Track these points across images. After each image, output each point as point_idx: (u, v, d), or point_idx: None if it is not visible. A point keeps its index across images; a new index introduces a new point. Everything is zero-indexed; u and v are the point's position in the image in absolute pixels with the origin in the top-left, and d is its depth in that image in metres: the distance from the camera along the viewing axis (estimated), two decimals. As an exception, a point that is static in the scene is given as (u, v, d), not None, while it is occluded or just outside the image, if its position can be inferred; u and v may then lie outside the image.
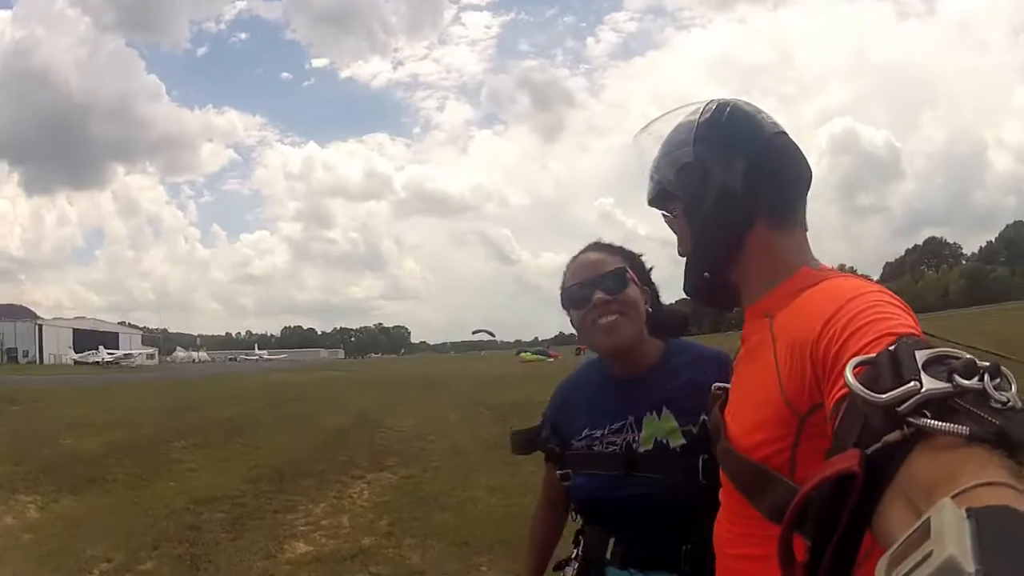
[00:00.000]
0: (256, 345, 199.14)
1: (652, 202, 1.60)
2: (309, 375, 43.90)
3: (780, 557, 0.97)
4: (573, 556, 2.16)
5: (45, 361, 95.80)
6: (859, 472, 0.84)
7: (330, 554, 6.92)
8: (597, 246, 2.14)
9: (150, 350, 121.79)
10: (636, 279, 2.03)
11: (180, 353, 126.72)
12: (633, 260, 2.10)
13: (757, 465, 1.26)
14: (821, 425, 1.11)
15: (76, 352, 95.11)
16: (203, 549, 6.94)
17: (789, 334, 1.25)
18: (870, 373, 0.92)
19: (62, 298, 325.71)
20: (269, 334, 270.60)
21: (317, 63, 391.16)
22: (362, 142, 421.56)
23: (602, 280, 2.00)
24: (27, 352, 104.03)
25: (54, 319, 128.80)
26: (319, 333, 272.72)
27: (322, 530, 7.74)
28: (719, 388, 1.56)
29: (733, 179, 1.43)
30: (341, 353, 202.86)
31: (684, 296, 1.64)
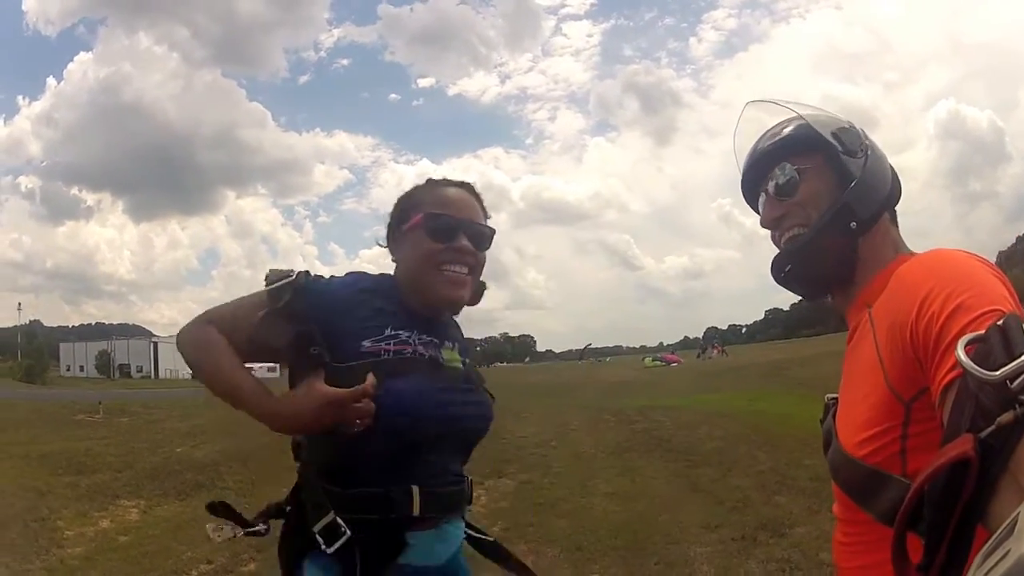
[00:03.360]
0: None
1: (782, 148, 1.57)
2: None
3: (894, 558, 0.98)
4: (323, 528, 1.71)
5: (160, 376, 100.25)
6: (974, 458, 0.84)
7: (441, 558, 6.85)
8: (471, 191, 1.99)
9: (271, 364, 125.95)
10: None
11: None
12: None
13: (869, 467, 1.25)
14: (928, 410, 1.12)
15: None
16: (312, 556, 6.98)
17: (887, 318, 1.26)
18: (981, 351, 0.93)
19: (178, 317, 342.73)
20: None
21: (423, 83, 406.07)
22: (477, 156, 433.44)
23: (473, 227, 1.90)
24: (140, 368, 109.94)
25: (170, 336, 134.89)
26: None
27: (435, 535, 7.66)
28: (831, 398, 1.56)
29: (884, 164, 1.54)
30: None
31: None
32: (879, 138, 1.56)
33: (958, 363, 0.93)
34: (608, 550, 6.65)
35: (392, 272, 1.95)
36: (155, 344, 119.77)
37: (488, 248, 1.95)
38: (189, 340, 1.82)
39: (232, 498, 9.57)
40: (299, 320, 1.74)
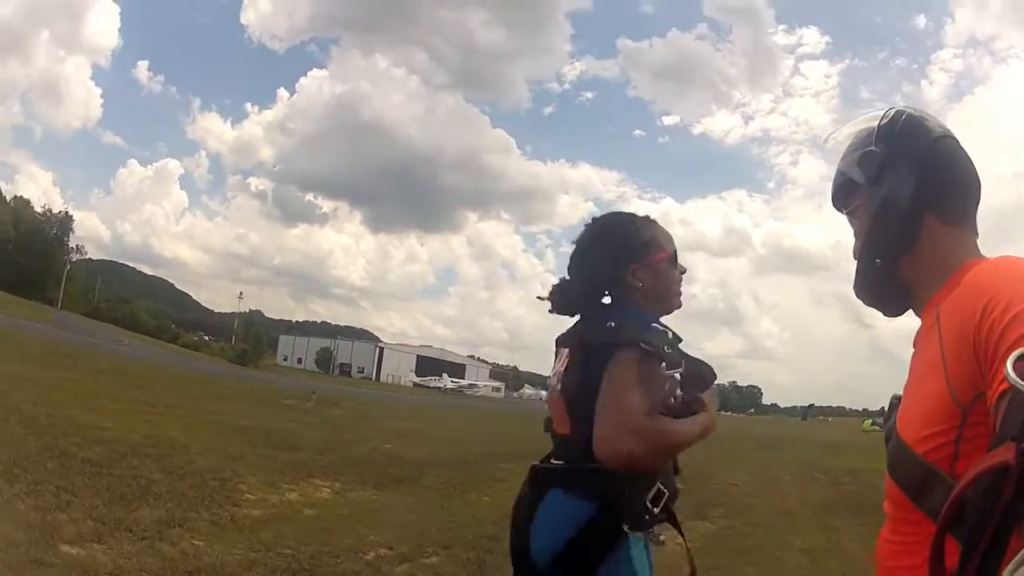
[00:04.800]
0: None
1: (836, 197, 1.77)
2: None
3: (931, 562, 1.03)
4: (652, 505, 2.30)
5: (382, 380, 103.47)
6: (1014, 465, 0.90)
7: (625, 588, 6.81)
8: None
9: (497, 383, 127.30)
10: None
11: (528, 390, 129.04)
12: None
13: (927, 465, 1.29)
14: (984, 415, 1.16)
15: (417, 376, 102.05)
16: (498, 559, 6.81)
17: (952, 320, 1.30)
18: None
19: (407, 328, 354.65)
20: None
21: (668, 120, 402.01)
22: (721, 198, 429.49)
23: None
24: (362, 369, 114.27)
25: (397, 344, 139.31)
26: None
27: (625, 564, 7.65)
28: (896, 397, 1.60)
29: (908, 172, 1.57)
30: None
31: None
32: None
33: (1006, 377, 0.98)
34: (789, 605, 6.46)
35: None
36: (381, 349, 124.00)
37: None
38: (656, 443, 2.20)
39: (432, 497, 10.00)
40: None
